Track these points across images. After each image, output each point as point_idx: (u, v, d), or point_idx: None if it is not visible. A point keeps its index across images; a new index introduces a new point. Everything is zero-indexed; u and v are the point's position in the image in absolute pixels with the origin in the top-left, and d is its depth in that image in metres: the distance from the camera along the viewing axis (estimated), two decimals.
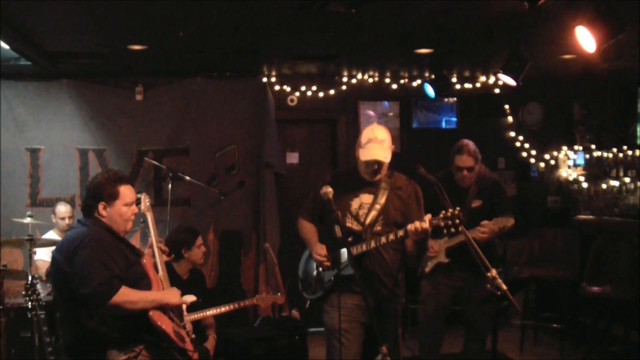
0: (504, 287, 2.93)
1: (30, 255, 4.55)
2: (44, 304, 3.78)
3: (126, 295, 2.84)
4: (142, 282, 3.04)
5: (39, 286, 3.93)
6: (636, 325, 5.12)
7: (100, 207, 3.04)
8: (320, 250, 3.44)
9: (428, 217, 3.22)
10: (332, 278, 3.45)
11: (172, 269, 4.18)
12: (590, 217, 6.37)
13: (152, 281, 3.11)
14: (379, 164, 3.37)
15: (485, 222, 3.96)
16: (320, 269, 3.52)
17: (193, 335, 3.25)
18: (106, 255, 2.88)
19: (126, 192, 3.10)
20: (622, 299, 4.98)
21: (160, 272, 3.25)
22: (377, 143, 3.35)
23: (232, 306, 4.35)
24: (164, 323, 2.95)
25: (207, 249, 5.31)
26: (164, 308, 3.01)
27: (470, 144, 4.20)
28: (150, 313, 2.91)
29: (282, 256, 5.75)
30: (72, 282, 2.83)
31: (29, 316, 3.84)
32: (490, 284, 2.96)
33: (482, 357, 4.28)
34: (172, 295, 3.09)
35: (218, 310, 4.28)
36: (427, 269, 4.28)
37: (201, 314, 4.20)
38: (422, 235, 3.23)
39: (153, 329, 2.91)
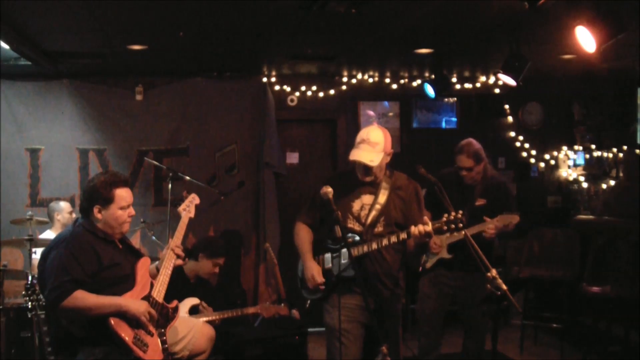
0: (504, 287, 2.92)
1: (30, 255, 4.55)
2: (44, 304, 3.78)
3: (80, 299, 2.80)
4: (122, 284, 3.01)
5: (39, 286, 3.93)
6: (636, 325, 5.12)
7: (95, 210, 3.03)
8: (317, 274, 3.40)
9: (429, 218, 3.21)
10: (333, 279, 3.44)
11: (181, 269, 4.15)
12: (590, 217, 6.37)
13: (136, 285, 3.05)
14: (365, 166, 3.35)
15: (487, 219, 3.96)
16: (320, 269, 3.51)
17: (166, 345, 3.12)
18: (71, 258, 2.86)
19: (122, 194, 3.08)
20: (622, 299, 4.98)
21: (161, 277, 3.22)
22: (368, 145, 3.32)
23: (233, 313, 4.31)
24: (122, 330, 2.88)
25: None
26: (124, 315, 2.91)
27: (471, 144, 4.16)
28: (110, 319, 2.86)
29: (282, 256, 5.75)
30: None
31: (29, 316, 3.83)
32: (490, 284, 2.95)
33: (482, 357, 4.28)
34: (134, 304, 2.97)
35: (220, 315, 4.26)
36: (428, 265, 4.27)
37: (201, 319, 4.19)
38: (426, 238, 3.22)
39: (113, 335, 2.87)
